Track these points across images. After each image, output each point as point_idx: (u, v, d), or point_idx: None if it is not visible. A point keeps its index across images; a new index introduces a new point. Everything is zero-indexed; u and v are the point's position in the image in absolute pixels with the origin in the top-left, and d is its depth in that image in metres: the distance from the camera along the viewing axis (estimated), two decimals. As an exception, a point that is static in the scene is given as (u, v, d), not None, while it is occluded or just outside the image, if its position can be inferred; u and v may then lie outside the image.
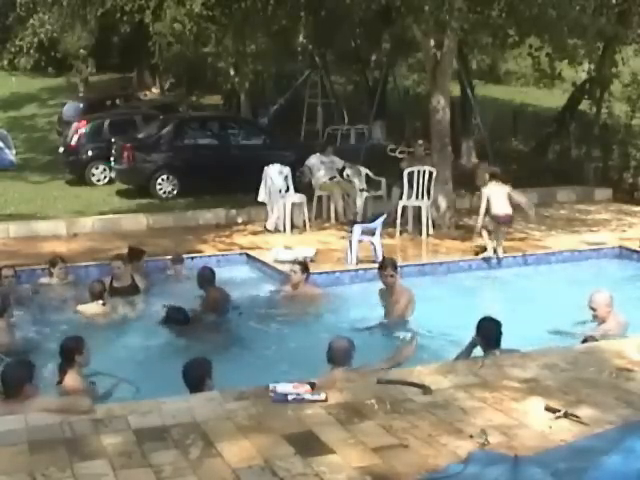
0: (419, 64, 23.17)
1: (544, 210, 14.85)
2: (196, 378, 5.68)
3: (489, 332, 6.40)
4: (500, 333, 6.38)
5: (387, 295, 8.55)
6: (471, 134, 18.88)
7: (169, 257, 10.58)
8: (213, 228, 13.43)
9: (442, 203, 12.94)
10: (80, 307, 8.82)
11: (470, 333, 6.76)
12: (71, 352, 6.03)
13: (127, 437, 4.66)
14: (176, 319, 8.23)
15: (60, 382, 5.95)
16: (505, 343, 6.42)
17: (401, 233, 12.48)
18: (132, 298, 9.32)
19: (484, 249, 10.88)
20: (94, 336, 8.06)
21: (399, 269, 8.77)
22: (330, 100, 22.56)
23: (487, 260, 10.93)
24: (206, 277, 9.03)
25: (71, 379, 5.94)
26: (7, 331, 7.69)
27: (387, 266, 8.54)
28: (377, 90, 17.98)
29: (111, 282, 9.39)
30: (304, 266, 9.39)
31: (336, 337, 6.30)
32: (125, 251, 10.25)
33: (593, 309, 7.47)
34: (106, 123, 18.47)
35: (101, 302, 8.70)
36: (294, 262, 9.62)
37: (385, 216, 11.37)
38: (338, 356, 6.00)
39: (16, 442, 4.59)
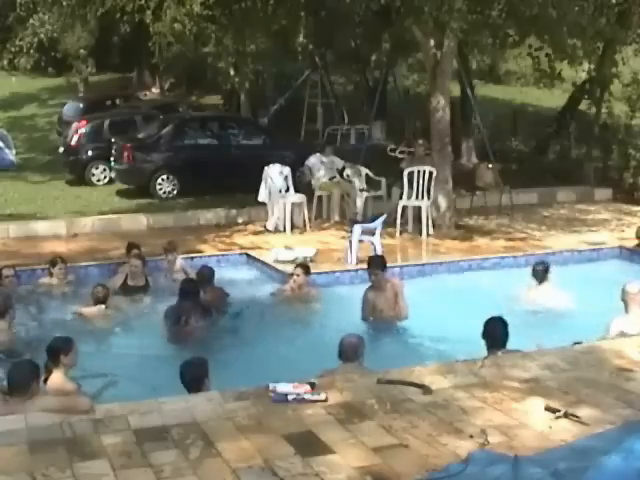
0: (419, 64, 23.16)
1: (544, 210, 14.88)
2: (194, 378, 5.68)
3: (495, 332, 6.42)
4: (507, 333, 6.41)
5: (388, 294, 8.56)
6: (471, 134, 18.88)
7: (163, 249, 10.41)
8: (213, 228, 13.43)
9: (442, 203, 12.94)
10: (82, 310, 8.81)
11: (470, 333, 6.76)
12: (57, 352, 6.02)
13: (127, 437, 4.66)
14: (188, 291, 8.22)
15: (45, 381, 5.93)
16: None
17: (401, 233, 12.48)
18: (138, 297, 9.33)
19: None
20: (94, 338, 8.09)
21: (399, 269, 8.80)
22: (330, 100, 22.55)
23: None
24: (205, 276, 9.04)
25: (55, 379, 5.92)
26: (8, 332, 7.69)
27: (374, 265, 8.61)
28: (377, 90, 17.94)
29: (125, 280, 9.43)
30: (306, 269, 9.41)
31: (347, 334, 6.46)
32: (134, 252, 10.23)
33: (624, 300, 7.37)
34: (106, 123, 18.45)
35: (103, 307, 8.70)
36: (296, 265, 9.61)
37: (385, 216, 11.37)
38: (347, 352, 6.19)
39: (16, 442, 4.60)
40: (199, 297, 8.32)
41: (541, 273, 8.81)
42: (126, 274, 9.53)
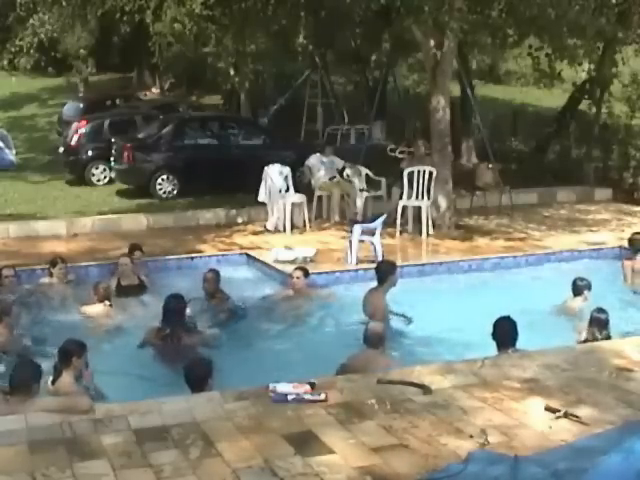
0: (419, 64, 23.16)
1: (544, 210, 14.87)
2: (198, 378, 5.70)
3: (505, 331, 6.45)
4: (516, 333, 6.45)
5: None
6: (471, 134, 18.88)
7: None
8: (213, 228, 13.42)
9: (442, 203, 12.94)
10: (85, 308, 8.81)
11: (469, 333, 6.76)
12: (69, 354, 6.01)
13: (127, 437, 4.66)
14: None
15: (53, 382, 5.93)
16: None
17: (401, 233, 12.48)
18: (140, 298, 9.32)
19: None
20: (98, 336, 8.09)
21: (399, 269, 8.81)
22: (330, 100, 22.54)
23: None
24: (214, 280, 9.02)
25: (65, 381, 5.92)
26: (4, 333, 7.69)
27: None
28: (377, 90, 17.94)
29: (119, 281, 9.42)
30: (305, 271, 9.39)
31: (372, 321, 6.94)
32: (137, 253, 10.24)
33: None
34: (106, 123, 18.44)
35: (108, 303, 8.69)
36: (295, 267, 9.57)
37: (385, 216, 11.36)
38: (372, 339, 6.49)
39: (16, 442, 4.60)
40: (184, 314, 7.86)
41: (580, 288, 8.77)
42: (118, 275, 9.52)
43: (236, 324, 8.74)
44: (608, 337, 7.29)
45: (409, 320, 8.48)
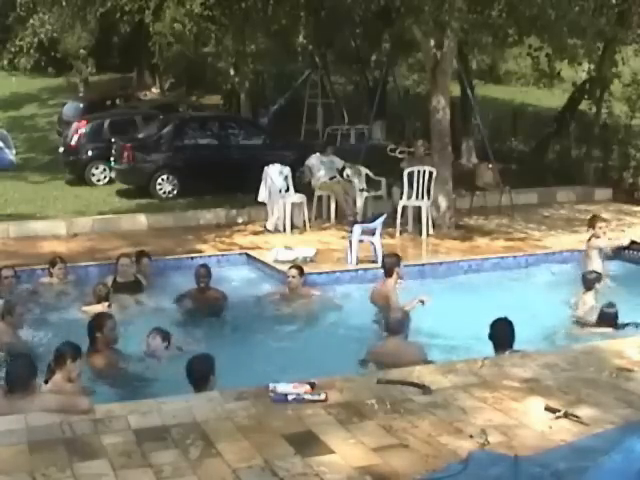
0: (419, 64, 23.18)
1: (544, 210, 14.88)
2: (200, 374, 5.70)
3: (502, 333, 6.45)
4: (513, 334, 6.45)
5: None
6: (471, 134, 18.88)
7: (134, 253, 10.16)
8: (213, 228, 13.42)
9: (442, 203, 12.93)
10: (85, 308, 8.81)
11: (469, 333, 6.76)
12: (64, 356, 5.97)
13: (127, 437, 4.66)
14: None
15: (46, 382, 5.92)
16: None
17: (401, 233, 12.48)
18: (137, 296, 9.34)
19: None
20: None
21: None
22: (330, 100, 22.56)
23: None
24: (203, 274, 9.09)
25: (56, 381, 5.90)
26: (8, 333, 7.69)
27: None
28: (377, 90, 17.94)
29: (115, 278, 9.44)
30: (300, 270, 9.39)
31: (393, 309, 7.22)
32: (127, 251, 10.24)
33: None
34: (106, 123, 18.44)
35: (106, 304, 8.69)
36: (290, 266, 9.57)
37: (385, 216, 11.37)
38: (393, 326, 6.80)
39: (16, 442, 4.60)
40: (94, 331, 7.24)
41: (589, 282, 8.71)
42: (115, 273, 9.55)
43: (232, 317, 8.80)
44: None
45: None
